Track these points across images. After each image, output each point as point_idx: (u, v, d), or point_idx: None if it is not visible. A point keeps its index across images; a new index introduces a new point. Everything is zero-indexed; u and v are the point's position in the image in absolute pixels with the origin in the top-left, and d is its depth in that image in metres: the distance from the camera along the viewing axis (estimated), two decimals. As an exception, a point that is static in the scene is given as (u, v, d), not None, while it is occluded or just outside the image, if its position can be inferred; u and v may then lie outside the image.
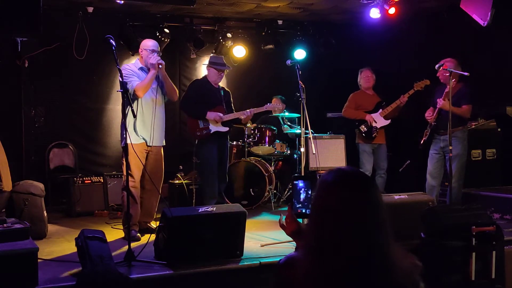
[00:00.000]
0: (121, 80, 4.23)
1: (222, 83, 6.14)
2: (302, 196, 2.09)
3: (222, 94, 5.95)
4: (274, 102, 7.38)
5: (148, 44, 5.15)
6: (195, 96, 5.83)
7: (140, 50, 5.17)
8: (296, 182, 2.10)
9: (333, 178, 1.57)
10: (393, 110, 6.37)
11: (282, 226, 2.14)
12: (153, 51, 5.08)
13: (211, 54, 7.70)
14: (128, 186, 4.77)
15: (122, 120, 4.78)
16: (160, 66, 4.97)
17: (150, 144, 5.08)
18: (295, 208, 2.08)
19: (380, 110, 6.45)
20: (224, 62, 5.95)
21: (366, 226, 1.50)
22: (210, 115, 5.75)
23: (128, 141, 4.80)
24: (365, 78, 6.65)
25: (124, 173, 4.82)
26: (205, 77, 6.00)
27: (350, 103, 6.67)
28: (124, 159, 4.80)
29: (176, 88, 5.37)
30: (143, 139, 5.04)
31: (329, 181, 1.57)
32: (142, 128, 5.03)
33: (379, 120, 6.44)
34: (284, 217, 2.14)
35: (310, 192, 2.07)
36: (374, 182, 1.60)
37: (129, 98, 4.40)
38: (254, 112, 5.90)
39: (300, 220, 2.11)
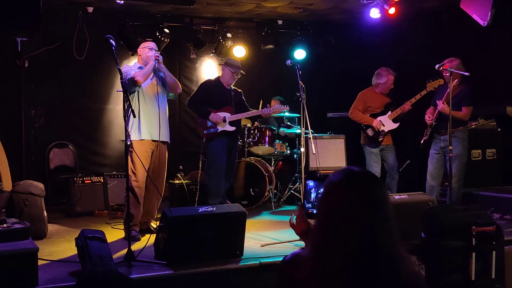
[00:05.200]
0: (121, 80, 4.23)
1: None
2: (313, 196, 2.10)
3: (233, 94, 6.11)
4: (273, 103, 7.38)
5: (146, 44, 5.29)
6: (202, 95, 6.01)
7: (138, 50, 5.28)
8: (307, 182, 2.12)
9: (340, 177, 1.58)
10: (400, 114, 6.09)
11: (292, 225, 2.14)
12: (151, 49, 5.16)
13: (212, 54, 7.74)
14: (131, 185, 4.81)
15: (124, 119, 4.78)
16: (157, 59, 5.01)
17: (158, 139, 5.05)
18: (306, 208, 2.09)
19: (389, 112, 6.14)
20: (239, 65, 6.14)
21: (372, 225, 1.51)
22: (213, 117, 5.89)
23: (132, 139, 4.83)
24: (388, 84, 6.22)
25: (130, 172, 4.85)
26: (218, 77, 6.20)
27: (358, 102, 6.27)
28: (128, 158, 4.83)
29: (178, 81, 5.38)
30: (150, 135, 5.02)
31: (335, 180, 1.58)
32: (147, 125, 5.01)
33: (387, 124, 6.11)
34: (294, 216, 2.14)
35: (320, 193, 2.08)
36: (380, 181, 1.61)
37: (129, 98, 4.39)
38: (267, 111, 6.09)
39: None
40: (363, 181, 1.57)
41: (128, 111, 4.51)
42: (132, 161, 4.85)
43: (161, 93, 5.15)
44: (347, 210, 1.52)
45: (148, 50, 5.13)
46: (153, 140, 5.05)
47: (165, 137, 5.15)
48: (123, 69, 4.92)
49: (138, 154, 4.82)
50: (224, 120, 5.94)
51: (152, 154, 5.10)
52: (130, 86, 4.87)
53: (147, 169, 4.97)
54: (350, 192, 1.54)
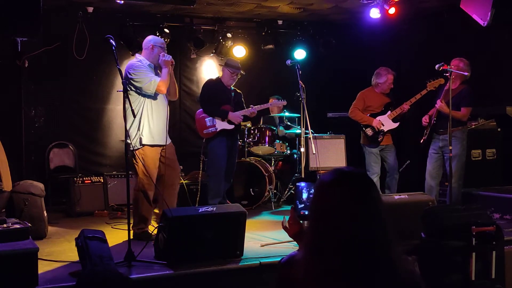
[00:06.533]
0: (122, 80, 4.22)
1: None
2: (304, 197, 2.09)
3: (233, 95, 6.19)
4: (270, 102, 7.37)
5: (160, 41, 5.09)
6: (210, 96, 6.09)
7: (150, 46, 4.99)
8: (298, 184, 2.11)
9: (331, 178, 1.58)
10: (399, 114, 6.10)
11: (285, 228, 2.14)
12: (163, 49, 5.02)
13: (212, 54, 7.74)
14: (144, 188, 4.82)
15: (124, 119, 4.77)
16: (172, 64, 4.95)
17: (165, 143, 5.02)
18: (298, 210, 2.08)
19: (389, 112, 6.13)
20: (239, 66, 6.17)
21: (365, 224, 1.51)
22: (232, 116, 5.99)
23: (145, 142, 4.80)
24: (387, 84, 6.21)
25: (140, 175, 4.83)
26: (218, 77, 6.27)
27: (358, 102, 6.27)
28: (136, 161, 4.81)
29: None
30: (159, 140, 4.95)
31: (327, 181, 1.58)
32: (159, 130, 4.93)
33: (386, 123, 6.12)
34: (287, 218, 2.14)
35: (312, 193, 2.07)
36: (372, 180, 1.61)
37: (128, 97, 4.37)
38: (258, 108, 6.22)
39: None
40: (354, 181, 1.57)
41: (128, 111, 4.49)
42: (144, 164, 4.80)
43: (167, 97, 5.11)
44: (339, 210, 1.52)
45: (160, 49, 4.96)
46: (160, 144, 5.00)
47: (169, 139, 5.12)
48: (138, 69, 4.85)
49: (150, 158, 4.83)
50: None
51: (162, 156, 5.01)
52: (148, 91, 4.79)
53: (157, 172, 4.95)
54: (342, 192, 1.54)
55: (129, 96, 4.76)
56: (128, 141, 4.76)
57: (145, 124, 4.85)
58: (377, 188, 1.60)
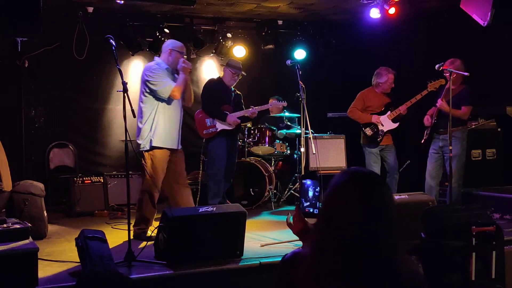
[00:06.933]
0: (122, 80, 4.20)
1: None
2: (310, 195, 2.10)
3: (233, 95, 6.21)
4: (270, 103, 7.37)
5: (179, 45, 5.09)
6: (210, 96, 6.11)
7: (168, 50, 5.01)
8: (304, 181, 2.12)
9: (344, 178, 1.57)
10: (399, 115, 6.10)
11: (289, 225, 2.14)
12: (183, 53, 5.03)
13: (212, 54, 7.73)
14: (150, 190, 4.83)
15: (144, 122, 4.79)
16: (190, 71, 4.96)
17: (176, 147, 5.01)
18: (303, 207, 2.09)
19: (389, 112, 6.13)
20: (240, 67, 6.18)
21: (374, 225, 1.50)
22: (230, 119, 5.98)
23: (155, 144, 4.79)
24: (388, 84, 6.20)
25: (148, 176, 4.83)
26: (219, 77, 6.30)
27: (357, 102, 6.28)
28: (145, 162, 4.82)
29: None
30: (171, 143, 4.94)
31: (339, 181, 1.57)
32: (170, 133, 4.93)
33: (386, 124, 6.12)
34: (291, 216, 2.14)
35: (317, 191, 2.08)
36: (384, 181, 1.60)
37: (128, 97, 4.36)
38: (259, 109, 6.22)
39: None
40: (367, 182, 1.56)
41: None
42: (152, 166, 4.83)
43: (182, 102, 5.10)
44: (350, 210, 1.52)
45: (180, 55, 4.98)
46: (170, 148, 4.98)
47: (180, 144, 5.12)
48: (156, 72, 4.84)
49: (159, 161, 4.84)
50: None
51: (172, 159, 5.00)
52: (162, 94, 4.79)
53: (164, 176, 4.95)
54: (353, 193, 1.54)
55: (143, 97, 4.86)
56: (139, 141, 4.83)
57: (157, 126, 4.85)
58: (389, 190, 1.60)
